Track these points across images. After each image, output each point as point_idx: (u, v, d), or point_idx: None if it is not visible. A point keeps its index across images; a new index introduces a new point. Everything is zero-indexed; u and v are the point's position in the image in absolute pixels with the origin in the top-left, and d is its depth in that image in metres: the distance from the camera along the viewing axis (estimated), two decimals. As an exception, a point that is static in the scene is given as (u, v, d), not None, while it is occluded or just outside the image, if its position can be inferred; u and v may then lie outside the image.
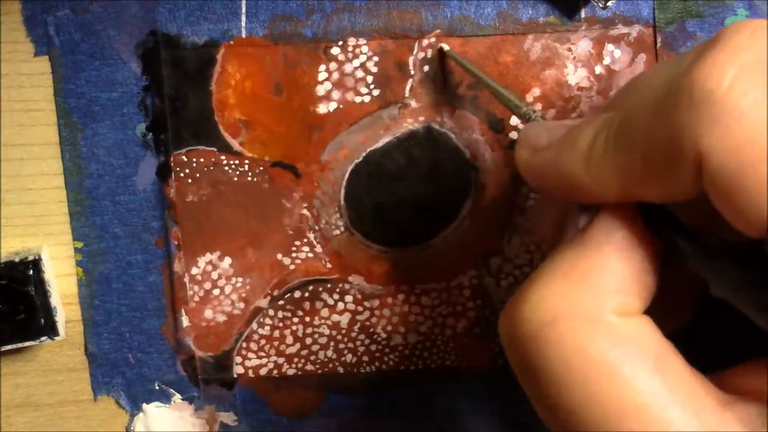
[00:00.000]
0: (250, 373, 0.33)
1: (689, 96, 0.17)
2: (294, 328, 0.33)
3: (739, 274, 0.19)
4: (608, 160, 0.20)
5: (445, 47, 0.31)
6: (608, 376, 0.19)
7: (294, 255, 0.32)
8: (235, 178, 0.32)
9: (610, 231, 0.20)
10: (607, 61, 0.31)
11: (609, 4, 0.31)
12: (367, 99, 0.32)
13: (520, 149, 0.24)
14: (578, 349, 0.19)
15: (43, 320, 0.31)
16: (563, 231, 0.22)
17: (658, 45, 0.31)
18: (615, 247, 0.20)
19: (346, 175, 0.32)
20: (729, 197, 0.17)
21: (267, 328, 0.33)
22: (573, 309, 0.19)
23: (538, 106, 0.31)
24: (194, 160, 0.32)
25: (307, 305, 0.32)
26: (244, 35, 0.31)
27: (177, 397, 0.33)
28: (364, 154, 0.32)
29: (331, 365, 0.33)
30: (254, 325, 0.33)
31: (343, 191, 0.32)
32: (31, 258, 0.30)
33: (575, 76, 0.31)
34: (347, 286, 0.32)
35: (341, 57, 0.31)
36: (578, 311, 0.19)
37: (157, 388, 0.33)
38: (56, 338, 0.31)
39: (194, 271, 0.32)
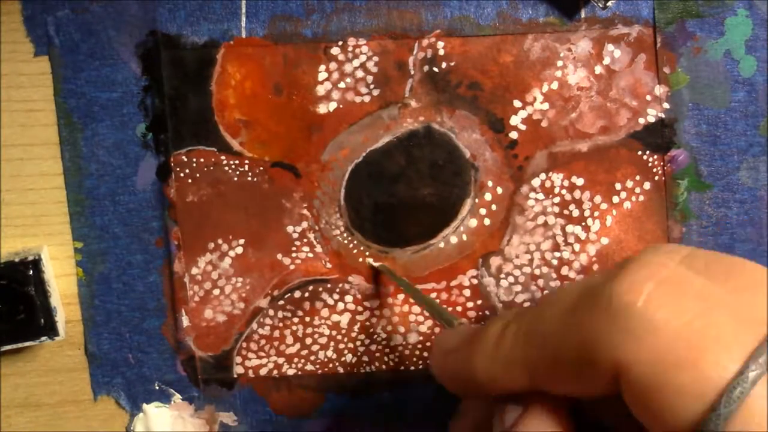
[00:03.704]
0: (250, 373, 0.33)
1: (607, 306, 0.18)
2: (294, 328, 0.33)
3: None
4: (517, 356, 0.20)
5: (375, 264, 0.32)
6: None
7: (294, 255, 0.32)
8: (235, 178, 0.32)
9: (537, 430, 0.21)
10: (606, 61, 0.31)
11: (609, 4, 0.31)
12: (367, 99, 0.32)
13: (432, 356, 0.24)
14: None
15: (43, 320, 0.31)
16: (490, 428, 0.22)
17: (658, 45, 0.31)
18: None
19: (346, 175, 0.32)
20: (646, 405, 0.18)
21: (267, 328, 0.33)
22: None
23: (545, 105, 0.31)
24: (194, 160, 0.32)
25: (307, 305, 0.32)
26: (244, 35, 0.31)
27: (177, 397, 0.33)
28: (364, 154, 0.32)
29: (331, 365, 0.33)
30: (254, 325, 0.33)
31: (343, 191, 0.32)
32: (31, 258, 0.30)
33: (575, 76, 0.31)
34: (347, 286, 0.32)
35: (341, 57, 0.31)
36: None
37: (157, 388, 0.33)
38: (56, 338, 0.31)
39: (194, 271, 0.32)
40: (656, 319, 0.17)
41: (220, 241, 0.32)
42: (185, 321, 0.32)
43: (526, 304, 0.32)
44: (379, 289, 0.32)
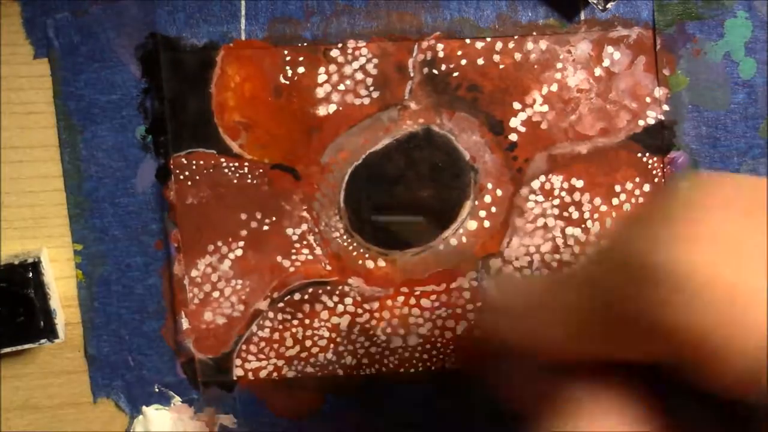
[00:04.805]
0: (250, 375, 0.33)
1: (653, 275, 0.18)
2: (294, 330, 0.33)
3: None
4: (587, 323, 0.20)
5: None
6: None
7: (294, 257, 0.32)
8: (235, 181, 0.32)
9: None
10: (606, 63, 0.31)
11: (608, 5, 0.31)
12: (366, 101, 0.32)
13: (484, 311, 0.24)
14: None
15: (42, 323, 0.31)
16: None
17: (658, 47, 0.31)
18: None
19: (346, 178, 0.32)
20: (709, 367, 0.17)
21: (267, 330, 0.33)
22: None
23: (544, 107, 0.31)
24: (194, 162, 0.32)
25: (306, 307, 0.32)
26: (243, 37, 0.31)
27: (176, 400, 0.33)
28: (363, 156, 0.32)
29: (330, 367, 0.33)
30: (254, 328, 0.33)
31: (342, 193, 0.32)
32: (30, 260, 0.30)
33: (575, 78, 0.31)
34: (347, 289, 0.32)
35: (341, 59, 0.31)
36: None
37: (157, 390, 0.33)
38: (56, 341, 0.31)
39: (194, 273, 0.32)
40: (705, 279, 0.17)
41: (219, 244, 0.32)
42: (185, 323, 0.32)
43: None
44: (378, 291, 0.32)
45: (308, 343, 0.33)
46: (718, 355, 0.17)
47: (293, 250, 0.32)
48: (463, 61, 0.31)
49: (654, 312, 0.18)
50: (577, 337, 0.21)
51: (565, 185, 0.32)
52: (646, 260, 0.18)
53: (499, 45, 0.31)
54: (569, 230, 0.32)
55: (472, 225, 0.32)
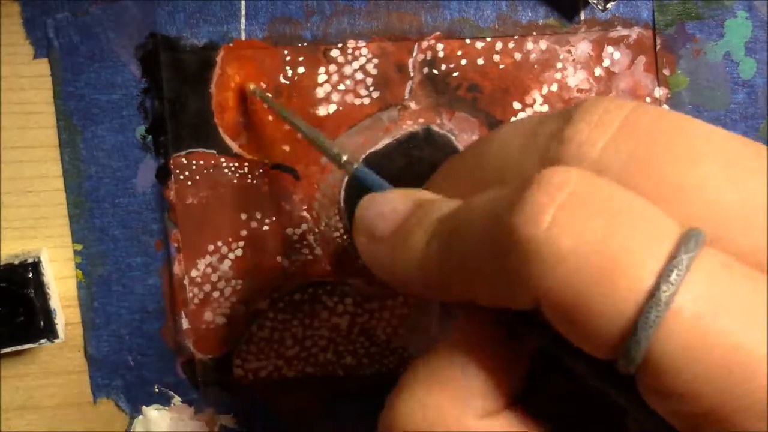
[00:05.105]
0: (250, 375, 0.33)
1: (511, 239, 0.17)
2: (294, 330, 0.33)
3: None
4: (443, 270, 0.20)
5: (251, 86, 0.31)
6: None
7: (294, 257, 0.32)
8: (235, 181, 0.32)
9: (467, 337, 0.20)
10: (606, 63, 0.31)
11: (608, 5, 0.31)
12: (366, 101, 0.32)
13: (358, 234, 0.23)
14: None
15: (42, 323, 0.31)
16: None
17: (658, 47, 0.31)
18: (474, 354, 0.20)
19: (346, 178, 0.32)
20: (569, 329, 0.17)
21: (267, 330, 0.33)
22: (436, 419, 0.19)
23: (544, 107, 0.31)
24: (194, 162, 0.32)
25: (306, 308, 0.32)
26: (243, 37, 0.31)
27: (176, 400, 0.33)
28: (363, 156, 0.32)
29: (331, 367, 0.33)
30: (254, 328, 0.33)
31: (342, 193, 0.32)
32: (30, 260, 0.30)
33: (575, 78, 0.31)
34: (347, 289, 0.32)
35: (341, 59, 0.31)
36: (440, 421, 0.19)
37: (157, 390, 0.33)
38: (56, 341, 0.31)
39: (194, 273, 0.32)
40: (562, 247, 0.16)
41: (219, 244, 0.32)
42: (185, 323, 0.32)
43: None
44: (378, 291, 0.32)
45: (308, 343, 0.33)
46: (584, 320, 0.16)
47: (293, 250, 0.32)
48: (463, 61, 0.31)
49: (515, 274, 0.17)
50: (429, 273, 0.20)
51: (565, 185, 0.32)
52: (498, 222, 0.17)
53: (499, 45, 0.31)
54: (569, 230, 0.32)
55: (472, 225, 0.32)
